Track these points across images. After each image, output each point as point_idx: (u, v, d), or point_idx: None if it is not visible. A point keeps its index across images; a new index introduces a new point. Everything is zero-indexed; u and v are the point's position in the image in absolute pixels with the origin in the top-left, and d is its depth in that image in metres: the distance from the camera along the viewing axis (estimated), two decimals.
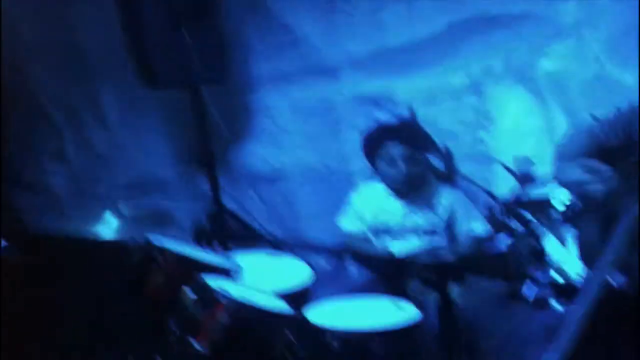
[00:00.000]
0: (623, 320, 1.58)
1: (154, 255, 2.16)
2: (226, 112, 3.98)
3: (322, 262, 3.07)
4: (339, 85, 3.94)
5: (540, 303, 3.49)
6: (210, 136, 3.90)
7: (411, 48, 3.60)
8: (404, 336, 2.02)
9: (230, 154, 4.36)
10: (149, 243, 2.21)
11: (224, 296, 1.95)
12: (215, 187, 4.00)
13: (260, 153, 4.35)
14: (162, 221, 4.57)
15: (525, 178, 3.06)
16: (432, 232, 2.62)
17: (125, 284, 2.23)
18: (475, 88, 3.49)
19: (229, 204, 4.21)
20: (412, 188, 2.63)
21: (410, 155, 2.56)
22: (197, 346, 1.94)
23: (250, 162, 4.39)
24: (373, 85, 3.80)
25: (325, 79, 3.99)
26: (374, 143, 2.62)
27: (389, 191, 2.69)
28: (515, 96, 3.44)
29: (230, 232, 3.97)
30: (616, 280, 1.61)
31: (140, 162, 4.89)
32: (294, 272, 2.60)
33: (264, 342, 1.98)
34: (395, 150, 2.57)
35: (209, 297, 1.97)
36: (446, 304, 1.74)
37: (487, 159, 3.52)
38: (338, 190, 4.11)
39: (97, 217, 4.87)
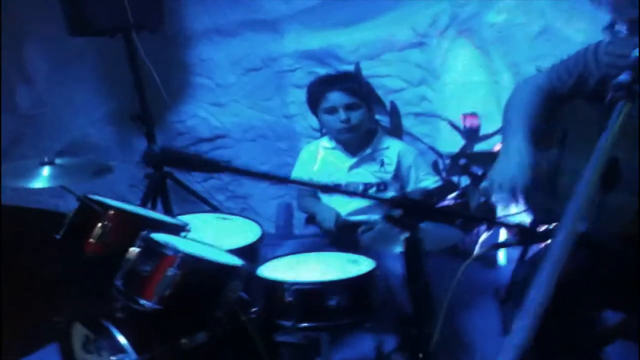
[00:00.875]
0: (585, 263, 1.58)
1: (94, 210, 2.00)
2: (162, 66, 3.78)
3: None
4: (281, 40, 3.82)
5: (487, 258, 3.57)
6: (146, 93, 3.69)
7: (355, 0, 3.51)
8: (360, 285, 1.96)
9: (166, 112, 4.17)
10: (87, 198, 2.05)
11: (172, 249, 1.83)
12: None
13: (197, 111, 4.19)
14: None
15: (471, 133, 3.05)
16: (381, 187, 2.57)
17: (65, 242, 2.07)
18: (420, 42, 3.44)
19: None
20: (356, 139, 2.56)
21: (352, 104, 2.50)
22: (144, 303, 1.82)
23: (187, 121, 4.23)
24: (316, 40, 3.70)
25: (266, 34, 3.86)
26: (317, 94, 2.55)
27: (336, 145, 2.62)
28: (460, 50, 3.41)
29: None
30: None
31: (71, 123, 4.64)
32: (242, 231, 2.49)
33: (214, 296, 1.88)
34: (337, 98, 2.50)
35: (155, 250, 1.85)
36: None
37: (432, 116, 3.51)
38: (280, 149, 4.07)
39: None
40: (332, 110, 2.52)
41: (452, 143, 3.34)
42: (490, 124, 3.26)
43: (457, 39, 3.39)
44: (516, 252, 3.34)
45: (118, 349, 1.88)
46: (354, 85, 2.56)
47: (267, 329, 2.10)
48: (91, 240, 2.01)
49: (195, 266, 1.84)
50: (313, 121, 3.88)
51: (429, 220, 1.37)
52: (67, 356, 2.17)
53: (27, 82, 4.72)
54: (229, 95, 4.08)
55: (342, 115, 2.50)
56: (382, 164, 2.56)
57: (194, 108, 4.18)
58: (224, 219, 2.71)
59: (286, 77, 3.86)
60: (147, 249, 1.86)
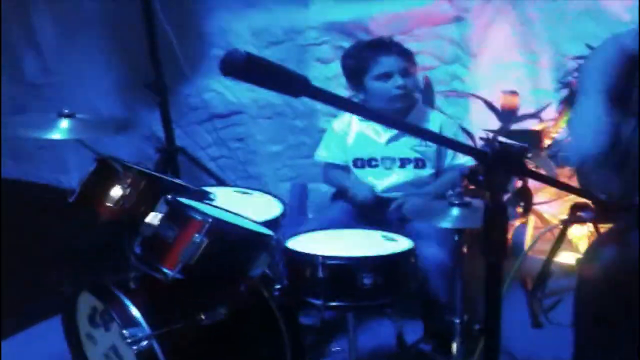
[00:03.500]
0: None
1: (114, 170, 1.81)
2: (178, 35, 3.59)
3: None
4: (306, 11, 3.62)
5: (514, 246, 3.38)
6: (161, 60, 3.49)
7: None
8: (397, 265, 1.79)
9: (180, 84, 3.98)
10: (107, 156, 1.87)
11: (201, 214, 1.65)
12: (167, 122, 3.61)
13: (212, 84, 4.00)
14: None
15: (509, 113, 2.87)
16: (419, 163, 2.38)
17: (78, 206, 1.88)
18: (458, 17, 3.25)
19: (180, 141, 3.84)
20: (401, 109, 2.37)
21: (407, 69, 2.32)
22: (166, 271, 1.64)
23: (202, 95, 4.04)
24: (345, 11, 3.51)
25: (291, 4, 3.66)
26: (367, 59, 2.34)
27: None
28: (499, 28, 3.22)
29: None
30: None
31: (78, 94, 4.45)
32: (264, 206, 2.31)
33: (241, 268, 1.70)
34: (393, 63, 2.32)
35: (182, 215, 1.66)
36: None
37: (463, 96, 3.33)
38: (296, 127, 3.88)
39: None
40: (387, 76, 2.32)
41: (484, 125, 3.16)
42: (526, 106, 3.09)
43: (496, 16, 3.20)
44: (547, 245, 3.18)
45: (130, 321, 1.71)
46: (406, 49, 2.37)
47: (291, 308, 1.94)
48: (108, 203, 1.82)
49: (225, 233, 1.66)
50: None
51: (520, 176, 1.17)
52: (71, 329, 2.00)
53: (35, 50, 4.53)
54: None
55: (399, 80, 2.30)
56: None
57: (210, 81, 3.99)
58: (244, 193, 2.53)
59: (310, 51, 3.66)
60: (172, 213, 1.67)
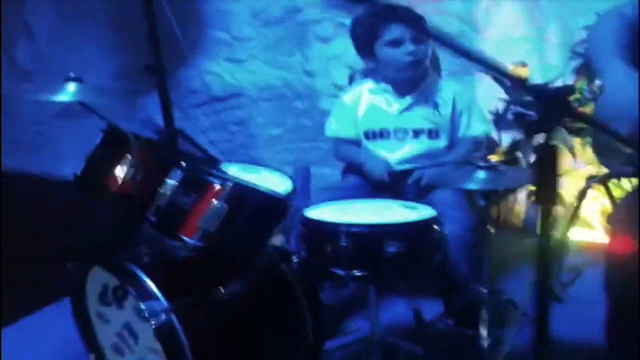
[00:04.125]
0: None
1: (124, 139, 1.73)
2: (175, 17, 3.49)
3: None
4: None
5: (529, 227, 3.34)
6: (160, 43, 3.40)
7: None
8: (423, 232, 1.72)
9: (177, 68, 3.89)
10: (116, 125, 1.79)
11: (219, 178, 1.58)
12: (166, 104, 3.52)
13: (211, 66, 3.91)
14: None
15: (519, 86, 2.81)
16: (432, 134, 2.31)
17: (85, 180, 1.80)
18: None
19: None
20: (414, 78, 2.31)
21: (419, 36, 2.25)
22: (185, 239, 1.57)
23: (200, 77, 3.95)
24: None
25: None
26: (377, 25, 2.27)
27: (385, 86, 2.36)
28: (505, 2, 3.17)
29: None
30: None
31: None
32: (274, 182, 2.23)
33: (264, 235, 1.63)
34: (403, 29, 2.24)
35: (199, 180, 1.59)
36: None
37: (467, 74, 3.27)
38: (297, 109, 3.81)
39: None
40: (397, 43, 2.25)
41: (491, 103, 3.11)
42: (534, 81, 3.03)
43: None
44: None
45: (146, 295, 1.63)
46: (417, 16, 2.30)
47: (311, 281, 1.87)
48: (117, 175, 1.74)
49: (245, 198, 1.59)
50: (337, 78, 3.63)
51: (568, 117, 1.11)
52: (80, 309, 1.92)
53: (28, 35, 4.42)
54: (246, 50, 3.81)
55: (410, 46, 2.23)
56: (435, 106, 2.30)
57: (208, 64, 3.91)
58: (252, 170, 2.46)
59: (310, 30, 3.60)
60: (189, 179, 1.60)
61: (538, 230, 3.14)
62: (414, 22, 2.26)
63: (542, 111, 1.01)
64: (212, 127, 4.09)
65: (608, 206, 2.63)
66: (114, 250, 1.78)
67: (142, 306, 1.60)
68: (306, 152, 3.90)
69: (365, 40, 2.33)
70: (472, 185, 1.69)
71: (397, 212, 1.84)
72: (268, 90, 3.84)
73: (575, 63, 2.64)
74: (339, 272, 1.70)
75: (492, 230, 1.83)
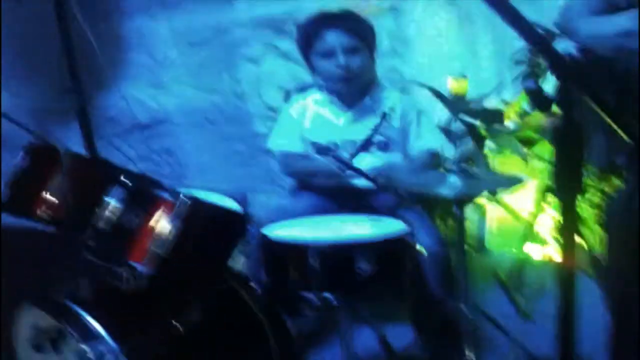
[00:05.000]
0: None
1: (52, 152, 1.50)
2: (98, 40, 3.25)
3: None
4: (231, 8, 3.41)
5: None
6: (78, 66, 3.14)
7: None
8: (397, 248, 1.58)
9: (93, 94, 3.61)
10: (42, 137, 1.56)
11: (170, 192, 1.38)
12: (87, 133, 3.23)
13: (131, 92, 3.67)
14: None
15: (458, 100, 2.77)
16: (384, 145, 2.19)
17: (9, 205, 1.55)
18: (392, 7, 3.15)
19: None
20: (354, 90, 2.19)
21: (353, 47, 2.12)
22: (133, 265, 1.35)
23: (119, 104, 3.69)
24: (273, 5, 3.32)
25: (213, 3, 3.43)
26: (310, 34, 2.15)
27: (329, 97, 2.23)
28: (436, 16, 3.15)
29: None
30: None
31: None
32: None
33: (222, 254, 1.45)
34: (335, 39, 2.11)
35: (147, 195, 1.39)
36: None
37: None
38: (228, 134, 3.63)
39: None
40: (329, 54, 2.12)
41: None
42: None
43: (432, 3, 3.13)
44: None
45: (89, 335, 1.40)
46: (356, 24, 2.17)
47: (275, 307, 1.69)
48: (45, 197, 1.50)
49: (202, 214, 1.40)
50: (268, 99, 3.49)
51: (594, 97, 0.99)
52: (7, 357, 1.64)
53: None
54: (170, 74, 3.60)
55: (341, 59, 2.11)
56: (384, 116, 2.18)
57: (128, 89, 3.66)
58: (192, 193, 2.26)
59: (238, 51, 3.45)
60: (135, 194, 1.39)
61: (488, 246, 3.08)
62: (351, 30, 2.13)
63: (560, 84, 0.90)
64: (137, 156, 3.82)
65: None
66: (47, 285, 1.53)
67: (86, 349, 1.37)
68: (242, 179, 3.72)
69: (301, 48, 2.21)
70: (446, 191, 1.57)
71: (364, 226, 1.70)
72: (196, 114, 3.65)
73: (518, 71, 2.62)
74: (308, 295, 1.53)
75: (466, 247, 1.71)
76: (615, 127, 0.97)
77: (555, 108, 0.95)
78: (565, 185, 0.91)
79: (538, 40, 0.97)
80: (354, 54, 2.12)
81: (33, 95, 3.67)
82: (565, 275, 0.98)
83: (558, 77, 0.92)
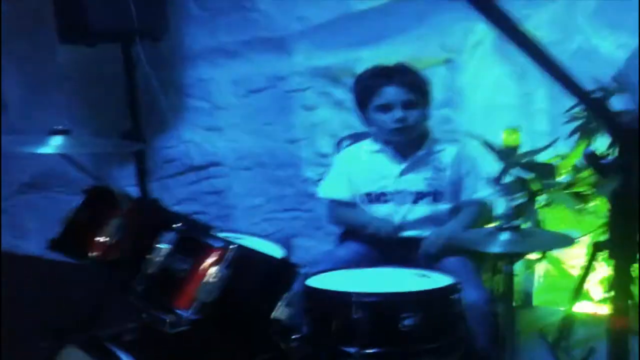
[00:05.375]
0: None
1: (112, 199, 1.55)
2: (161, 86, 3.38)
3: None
4: (289, 59, 3.49)
5: None
6: (139, 112, 3.27)
7: (377, 13, 3.22)
8: (442, 302, 1.56)
9: (153, 137, 3.74)
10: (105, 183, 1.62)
11: (221, 241, 1.41)
12: (142, 174, 3.36)
13: (189, 135, 3.78)
14: None
15: (511, 152, 2.72)
16: (436, 196, 2.19)
17: (64, 244, 1.60)
18: (448, 60, 3.17)
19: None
20: (408, 141, 2.20)
21: (410, 101, 2.17)
22: (179, 312, 1.37)
23: (178, 146, 3.81)
24: (331, 57, 3.39)
25: (273, 52, 3.53)
26: (370, 88, 2.19)
27: (383, 148, 2.25)
28: (491, 69, 3.15)
29: None
30: None
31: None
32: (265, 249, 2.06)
33: (268, 304, 1.45)
34: (394, 94, 2.16)
35: (198, 242, 1.42)
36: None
37: (455, 141, 3.20)
38: (279, 178, 3.68)
39: None
40: (387, 108, 2.16)
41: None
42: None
43: (488, 56, 3.13)
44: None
45: None
46: (414, 79, 2.21)
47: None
48: (100, 239, 1.55)
49: (250, 263, 1.42)
50: (321, 146, 3.53)
51: None
52: None
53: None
54: (227, 119, 3.71)
55: (399, 113, 2.14)
56: (436, 169, 2.19)
57: (187, 133, 3.79)
58: (237, 238, 2.28)
59: (293, 98, 3.52)
60: (184, 242, 1.43)
61: (535, 302, 2.99)
62: (407, 85, 2.17)
63: (619, 150, 0.88)
64: (188, 197, 3.91)
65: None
66: (92, 326, 1.56)
67: None
68: (287, 222, 3.75)
69: (358, 102, 2.24)
70: (495, 248, 1.54)
71: (410, 280, 1.68)
72: (249, 158, 3.72)
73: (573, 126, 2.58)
74: (350, 349, 1.51)
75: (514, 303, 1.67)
76: None
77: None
78: (619, 248, 0.89)
79: (589, 100, 0.96)
80: (411, 108, 2.16)
81: (95, 137, 3.83)
82: (616, 336, 0.95)
83: (614, 139, 0.90)
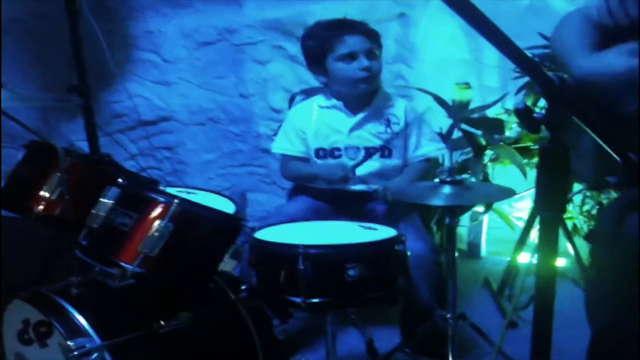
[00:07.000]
0: None
1: (53, 153, 1.52)
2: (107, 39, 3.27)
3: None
4: (240, 10, 3.42)
5: (472, 249, 3.29)
6: (85, 65, 3.16)
7: None
8: (386, 253, 1.59)
9: (100, 91, 3.65)
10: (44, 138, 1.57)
11: (164, 195, 1.40)
12: (91, 129, 3.26)
13: (138, 90, 3.69)
14: None
15: (461, 107, 2.76)
16: (385, 152, 2.20)
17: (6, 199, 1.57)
18: (401, 14, 3.16)
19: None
20: (358, 96, 2.20)
21: (373, 50, 2.19)
22: (124, 265, 1.37)
23: (126, 101, 3.72)
24: (282, 10, 3.34)
25: (222, 4, 3.45)
26: (330, 38, 2.16)
27: (335, 103, 2.25)
28: (442, 26, 3.15)
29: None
30: None
31: None
32: (215, 204, 2.05)
33: (212, 260, 1.46)
34: (358, 42, 2.16)
35: (141, 198, 1.41)
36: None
37: (407, 96, 3.22)
38: (231, 134, 3.65)
39: None
40: (351, 57, 2.15)
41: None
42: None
43: (438, 13, 3.13)
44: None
45: (75, 332, 1.42)
46: (373, 30, 2.22)
47: (263, 311, 1.70)
48: (43, 195, 1.52)
49: (194, 217, 1.41)
50: (273, 101, 3.51)
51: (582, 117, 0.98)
52: None
53: None
54: (177, 73, 3.63)
55: (364, 62, 2.14)
56: (388, 124, 2.20)
57: (135, 86, 3.69)
58: (190, 193, 2.27)
59: (245, 51, 3.46)
60: (128, 197, 1.41)
61: (484, 253, 3.09)
62: (369, 35, 2.17)
63: (549, 107, 0.90)
64: (140, 153, 3.85)
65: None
66: (38, 280, 1.55)
67: (70, 344, 1.38)
68: (242, 177, 3.74)
69: (316, 53, 2.21)
70: (438, 202, 1.58)
71: (356, 233, 1.71)
72: (200, 114, 3.67)
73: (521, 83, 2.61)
74: (296, 299, 1.54)
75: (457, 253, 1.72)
76: (605, 147, 0.98)
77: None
78: (545, 201, 0.92)
79: (528, 66, 0.97)
80: (373, 58, 2.17)
81: (40, 92, 3.71)
82: (543, 283, 0.99)
83: (547, 99, 0.92)
